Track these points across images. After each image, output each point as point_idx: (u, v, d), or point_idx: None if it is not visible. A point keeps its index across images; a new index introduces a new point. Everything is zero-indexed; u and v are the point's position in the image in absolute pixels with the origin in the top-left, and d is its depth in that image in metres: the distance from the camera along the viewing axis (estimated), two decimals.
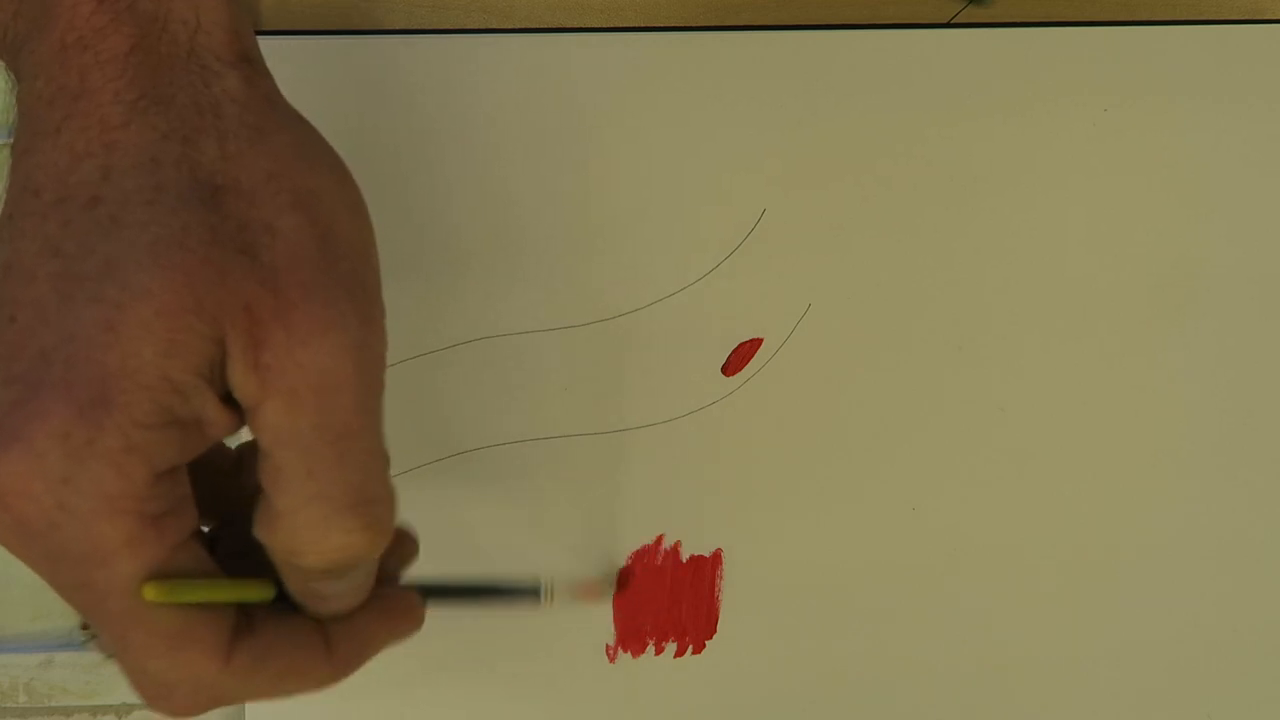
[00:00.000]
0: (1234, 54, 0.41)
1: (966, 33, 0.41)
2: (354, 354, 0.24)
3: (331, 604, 0.27)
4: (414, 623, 0.30)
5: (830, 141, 0.40)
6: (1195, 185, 0.41)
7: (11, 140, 0.26)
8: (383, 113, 0.39)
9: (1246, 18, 0.42)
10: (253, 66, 0.26)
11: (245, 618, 0.27)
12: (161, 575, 0.24)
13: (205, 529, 0.28)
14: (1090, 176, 0.41)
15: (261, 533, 0.25)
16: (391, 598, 0.30)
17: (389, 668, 0.40)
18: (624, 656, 0.41)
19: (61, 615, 0.41)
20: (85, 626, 0.26)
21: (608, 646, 0.41)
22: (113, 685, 0.41)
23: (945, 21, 0.41)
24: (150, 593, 0.24)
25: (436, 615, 0.40)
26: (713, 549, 0.41)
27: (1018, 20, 0.41)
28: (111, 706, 0.41)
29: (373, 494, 0.25)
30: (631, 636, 0.41)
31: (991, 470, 0.41)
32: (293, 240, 0.24)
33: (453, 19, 0.41)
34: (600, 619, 0.41)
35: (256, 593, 0.27)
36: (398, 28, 0.40)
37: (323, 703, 0.40)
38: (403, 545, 0.32)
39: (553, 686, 0.41)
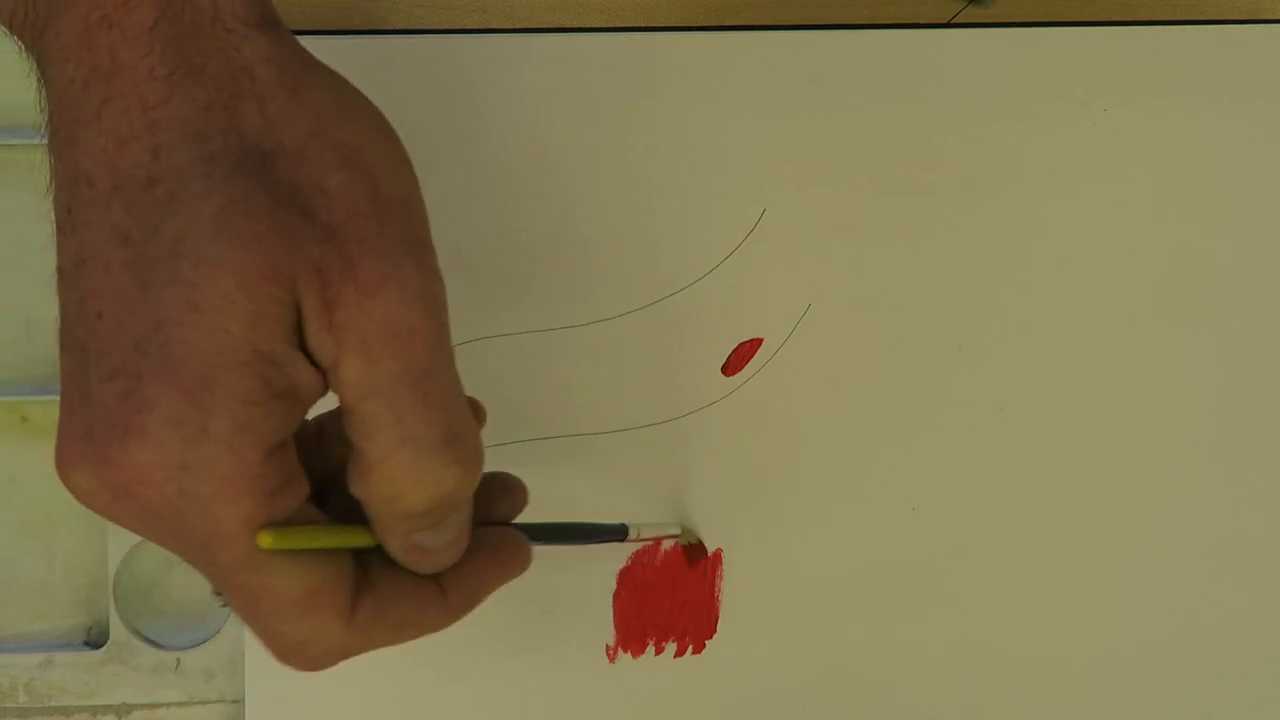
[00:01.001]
0: (1234, 54, 0.41)
1: (966, 33, 0.41)
2: (419, 300, 0.25)
3: (435, 557, 0.27)
4: (522, 562, 0.30)
5: (830, 141, 0.40)
6: (1195, 185, 0.41)
7: (47, 133, 0.26)
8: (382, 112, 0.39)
9: (1246, 18, 0.42)
10: (277, 29, 0.26)
11: (364, 575, 0.27)
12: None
13: None
14: (1090, 177, 0.41)
15: (358, 488, 0.26)
16: (498, 539, 0.30)
17: (390, 668, 0.40)
18: (624, 656, 0.41)
19: (61, 615, 0.41)
20: (217, 592, 0.26)
21: (608, 646, 0.41)
22: (113, 685, 0.41)
23: (945, 21, 0.41)
24: (265, 540, 0.24)
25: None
26: (713, 549, 0.41)
27: (1018, 20, 0.41)
28: (111, 706, 0.41)
29: (459, 429, 0.26)
30: (631, 636, 0.41)
31: (991, 470, 0.41)
32: (345, 197, 0.25)
33: (453, 19, 0.41)
34: (600, 619, 0.41)
35: (365, 537, 0.27)
36: (398, 28, 0.40)
37: (323, 704, 0.40)
38: (512, 492, 0.32)
39: (553, 686, 0.41)
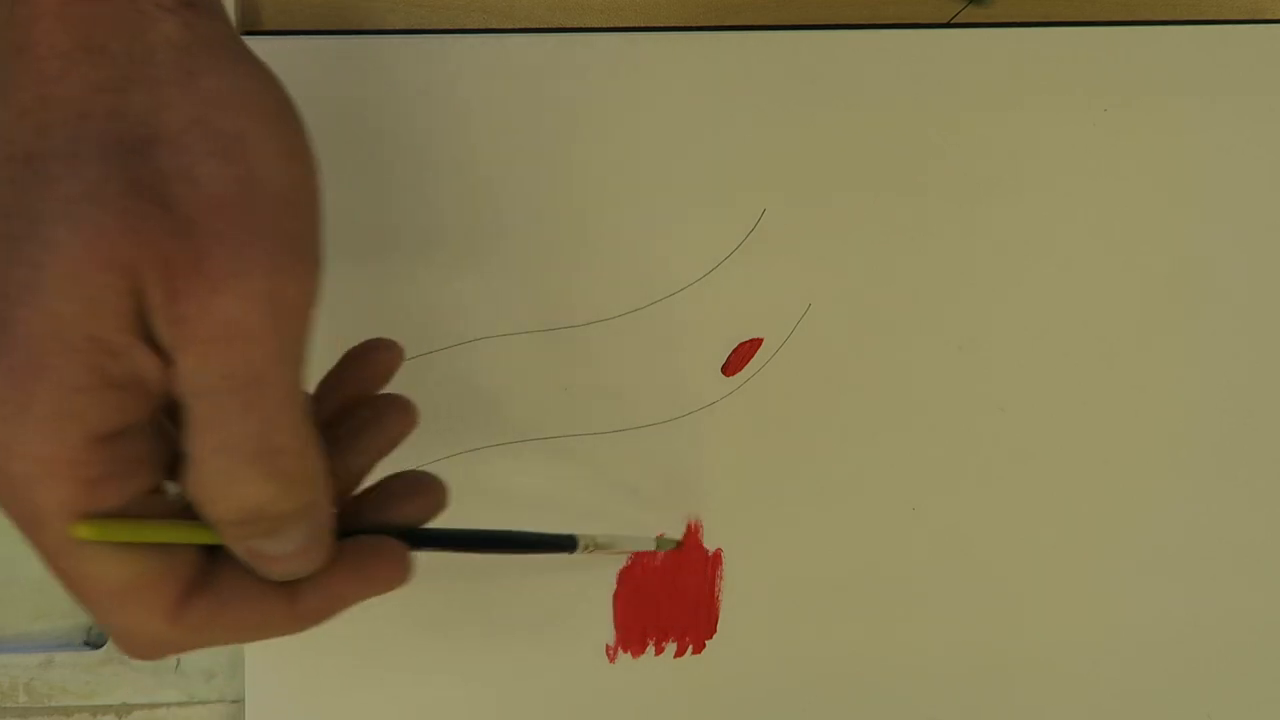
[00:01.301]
0: (1234, 54, 0.41)
1: (966, 33, 0.41)
2: (265, 302, 0.24)
3: (280, 565, 0.27)
4: (393, 577, 0.29)
5: (830, 141, 0.40)
6: (1195, 185, 0.41)
7: None
8: (383, 113, 0.39)
9: (1246, 18, 0.42)
10: (195, 10, 0.25)
11: (207, 573, 0.26)
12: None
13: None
14: (1090, 176, 0.41)
15: (183, 485, 0.25)
16: (368, 550, 0.29)
17: (390, 668, 0.40)
18: (624, 656, 0.41)
19: (61, 615, 0.41)
20: None
21: (608, 646, 0.41)
22: (113, 685, 0.41)
23: (945, 21, 0.41)
24: (81, 530, 0.24)
25: (435, 616, 0.40)
26: (713, 549, 0.41)
27: (1018, 20, 0.41)
28: (111, 706, 0.41)
29: (280, 444, 0.24)
30: (631, 636, 0.41)
31: (991, 470, 0.41)
32: (210, 188, 0.24)
33: (453, 19, 0.41)
34: (600, 619, 0.41)
35: (193, 534, 0.26)
36: (398, 28, 0.40)
37: (323, 704, 0.40)
38: (425, 494, 0.31)
39: (553, 686, 0.41)
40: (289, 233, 0.25)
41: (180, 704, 0.41)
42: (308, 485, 0.26)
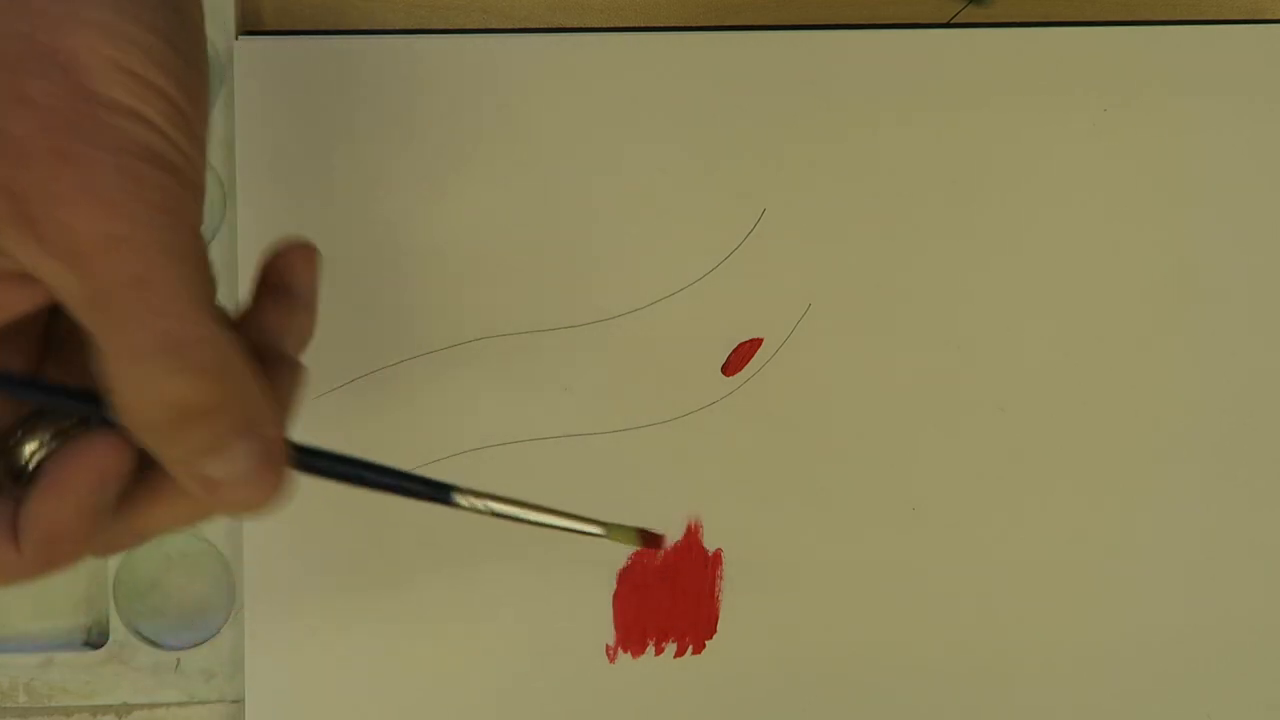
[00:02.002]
0: (1234, 54, 0.41)
1: (966, 33, 0.41)
2: (126, 207, 0.24)
3: (233, 493, 0.26)
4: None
5: (830, 141, 0.40)
6: (1195, 185, 0.41)
7: None
8: (382, 113, 0.39)
9: (1246, 18, 0.42)
10: None
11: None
12: None
13: None
14: (1090, 176, 0.41)
15: (114, 403, 0.25)
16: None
17: (390, 668, 0.40)
18: (624, 656, 0.41)
19: (61, 615, 0.41)
20: None
21: (608, 646, 0.41)
22: (113, 685, 0.41)
23: (945, 21, 0.41)
24: None
25: (435, 616, 0.40)
26: (713, 549, 0.41)
27: (1018, 20, 0.41)
28: (111, 706, 0.41)
29: (188, 335, 0.24)
30: (631, 636, 0.41)
31: (991, 470, 0.41)
32: (44, 106, 0.24)
33: (453, 19, 0.41)
34: (600, 619, 0.41)
35: None
36: (398, 28, 0.40)
37: (323, 704, 0.40)
38: (286, 310, 0.29)
39: (553, 686, 0.41)
40: (136, 142, 0.24)
41: (180, 704, 0.41)
42: (226, 376, 0.25)
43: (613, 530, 0.33)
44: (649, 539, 0.34)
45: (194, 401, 0.24)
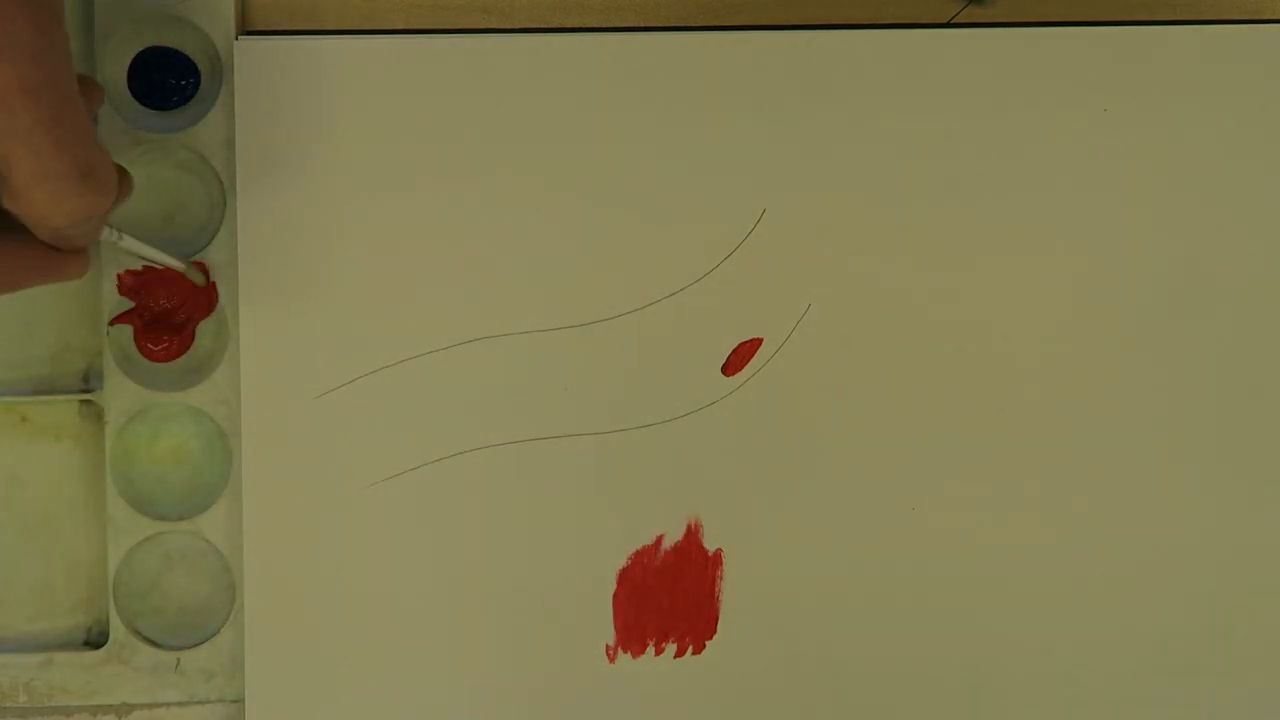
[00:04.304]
0: (1234, 54, 0.41)
1: (966, 33, 0.41)
2: (42, 59, 0.28)
3: (77, 243, 0.32)
4: (80, 265, 0.34)
5: (830, 141, 0.40)
6: (1195, 185, 0.41)
7: None
8: (382, 112, 0.39)
9: (1246, 18, 0.42)
10: None
11: None
12: None
13: None
14: (1090, 176, 0.41)
15: (11, 206, 0.30)
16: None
17: (390, 668, 0.40)
18: (624, 656, 0.41)
19: (61, 615, 0.41)
20: None
21: (608, 646, 0.41)
22: (113, 685, 0.41)
23: (945, 21, 0.41)
24: None
25: (435, 616, 0.40)
26: (713, 549, 0.41)
27: (1018, 20, 0.41)
28: (111, 706, 0.41)
29: (93, 163, 0.30)
30: (631, 636, 0.41)
31: (991, 470, 0.41)
32: None
33: (453, 19, 0.41)
34: (600, 619, 0.41)
35: None
36: (398, 28, 0.40)
37: (323, 704, 0.40)
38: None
39: (553, 686, 0.41)
40: (39, 3, 0.28)
41: (180, 704, 0.41)
42: (114, 188, 0.31)
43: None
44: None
45: (96, 210, 0.31)
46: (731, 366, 0.41)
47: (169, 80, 0.40)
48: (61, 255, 0.33)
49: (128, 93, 0.40)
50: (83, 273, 0.34)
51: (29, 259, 0.32)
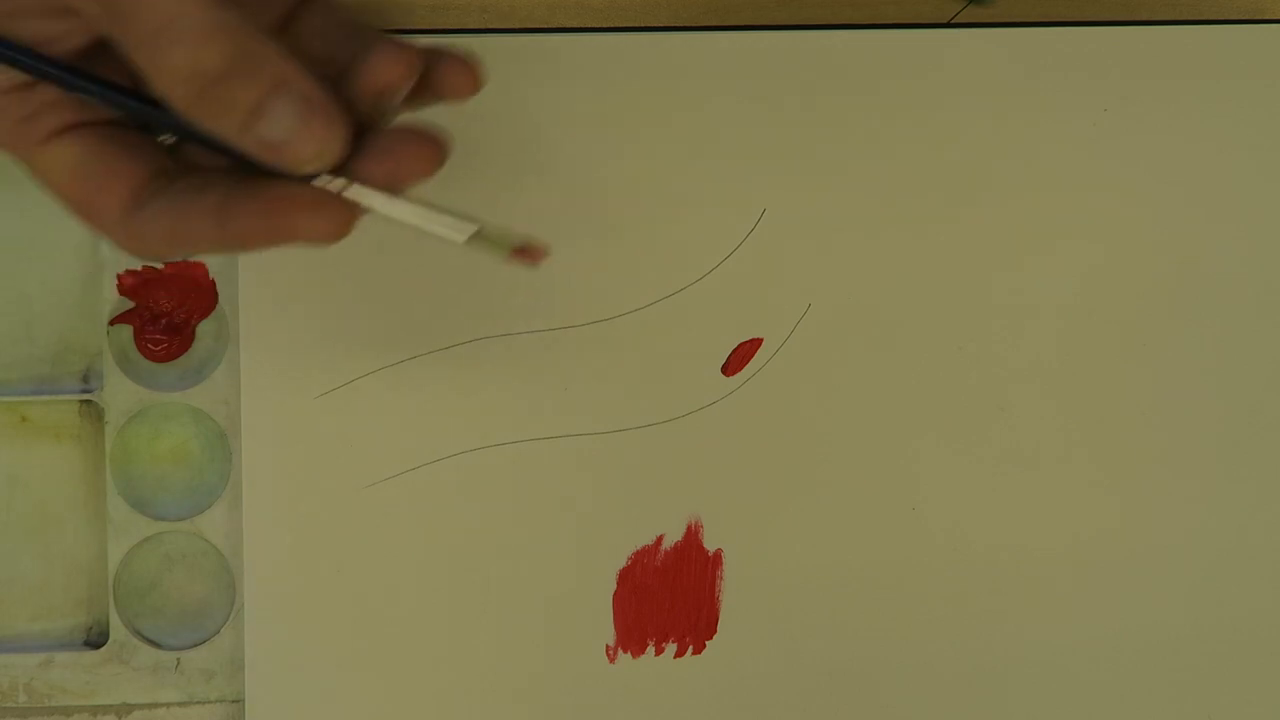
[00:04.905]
0: (1234, 54, 0.41)
1: (966, 33, 0.41)
2: None
3: (290, 151, 0.28)
4: (321, 220, 0.29)
5: (830, 141, 0.40)
6: (1195, 185, 0.41)
7: None
8: None
9: (1246, 18, 0.42)
10: None
11: (151, 188, 0.29)
12: (49, 158, 0.29)
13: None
14: (1090, 176, 0.41)
15: (138, 63, 0.28)
16: (282, 188, 0.29)
17: (390, 668, 0.40)
18: (624, 656, 0.41)
19: (61, 615, 0.41)
20: None
21: (608, 646, 0.41)
22: (113, 685, 0.41)
23: (945, 21, 0.41)
24: None
25: (435, 616, 0.40)
26: (713, 549, 0.41)
27: (1018, 20, 0.41)
28: (111, 706, 0.41)
29: (183, 12, 0.27)
30: (631, 636, 0.41)
31: (991, 470, 0.41)
32: None
33: (453, 19, 0.41)
34: (600, 619, 0.41)
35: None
36: (398, 28, 0.40)
37: (323, 704, 0.40)
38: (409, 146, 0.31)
39: (553, 686, 0.41)
40: None
41: (180, 704, 0.41)
42: (229, 40, 0.27)
43: (482, 239, 0.32)
44: (524, 252, 0.33)
45: (205, 67, 0.27)
46: (731, 366, 0.41)
47: None
48: (215, 219, 0.29)
49: None
50: (331, 231, 0.29)
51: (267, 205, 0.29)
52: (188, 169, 0.30)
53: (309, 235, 0.29)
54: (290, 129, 0.28)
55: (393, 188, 0.30)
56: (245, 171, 0.29)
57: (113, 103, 0.29)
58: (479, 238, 0.32)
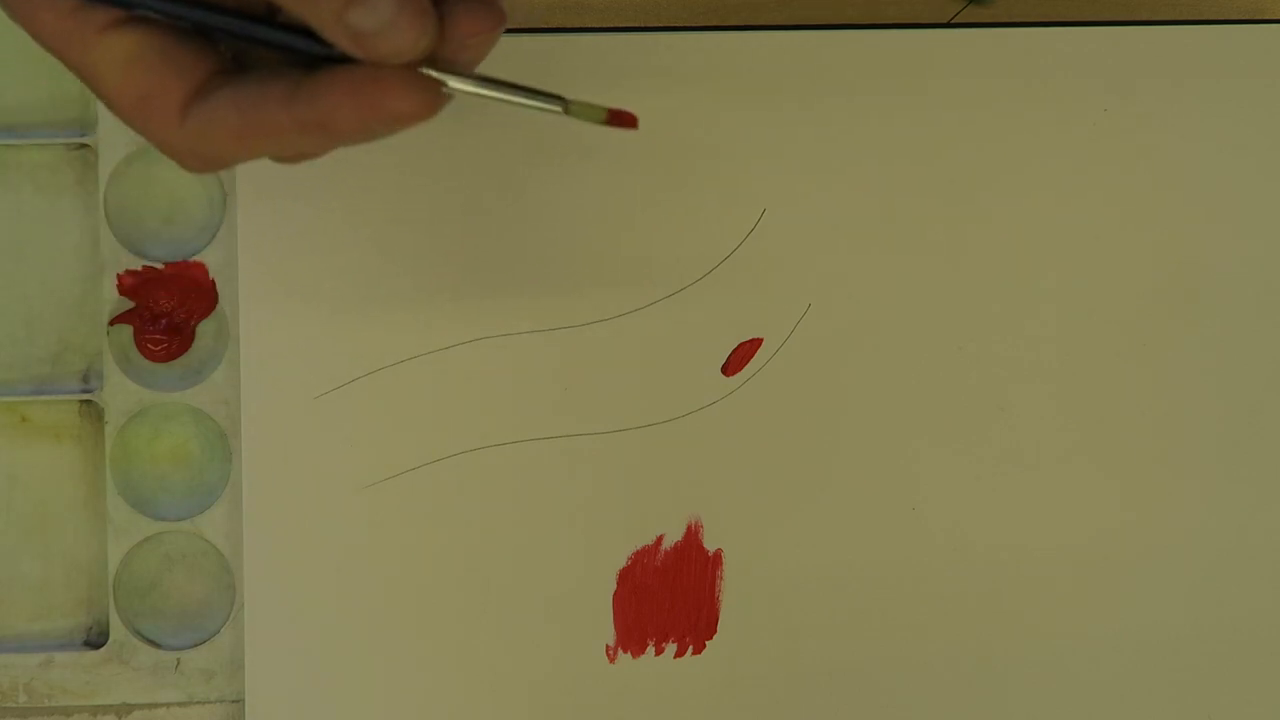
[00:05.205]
0: (1234, 54, 0.41)
1: (966, 33, 0.41)
2: None
3: (381, 41, 0.27)
4: (412, 98, 0.28)
5: (830, 141, 0.40)
6: (1195, 185, 0.41)
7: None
8: None
9: (1246, 18, 0.42)
10: None
11: (213, 84, 0.28)
12: (104, 49, 0.28)
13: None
14: (1090, 177, 0.41)
15: None
16: (368, 68, 0.28)
17: (390, 668, 0.40)
18: (624, 656, 0.41)
19: (61, 615, 0.41)
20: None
21: (608, 646, 0.41)
22: (113, 685, 0.41)
23: (945, 21, 0.41)
24: None
25: (435, 616, 0.40)
26: (713, 549, 0.41)
27: (1018, 20, 0.41)
28: (111, 706, 0.41)
29: None
30: (631, 636, 0.41)
31: (991, 470, 0.41)
32: None
33: None
34: (600, 619, 0.41)
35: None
36: None
37: (323, 704, 0.40)
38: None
39: (553, 686, 0.41)
40: None
41: (180, 704, 0.41)
42: None
43: (575, 106, 0.32)
44: (618, 117, 0.32)
45: None
46: (731, 366, 0.41)
47: None
48: (281, 100, 0.28)
49: None
50: (424, 110, 0.28)
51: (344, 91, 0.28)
52: (249, 67, 0.29)
53: (400, 113, 0.28)
54: (384, 20, 0.27)
55: (464, 61, 0.29)
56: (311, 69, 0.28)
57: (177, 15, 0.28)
58: (573, 109, 0.32)
